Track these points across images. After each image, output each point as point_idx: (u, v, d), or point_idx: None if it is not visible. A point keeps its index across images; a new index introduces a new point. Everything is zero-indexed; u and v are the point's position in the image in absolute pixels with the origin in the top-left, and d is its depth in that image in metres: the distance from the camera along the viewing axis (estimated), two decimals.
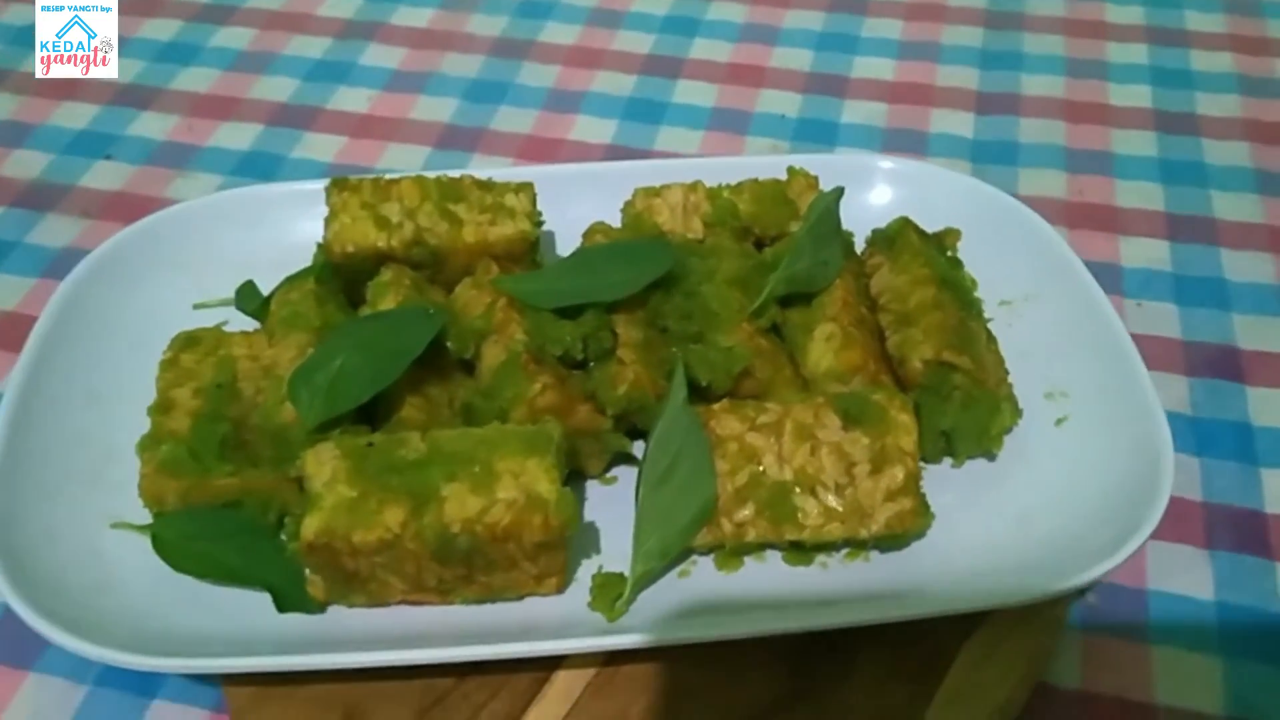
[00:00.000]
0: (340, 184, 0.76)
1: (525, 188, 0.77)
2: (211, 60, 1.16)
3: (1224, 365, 0.87)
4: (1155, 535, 0.66)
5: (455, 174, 0.78)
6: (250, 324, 0.78)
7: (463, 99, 1.11)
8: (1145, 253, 0.96)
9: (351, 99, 1.12)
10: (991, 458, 0.72)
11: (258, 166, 1.04)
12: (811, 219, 0.74)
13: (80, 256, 0.92)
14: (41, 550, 0.63)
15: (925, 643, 0.64)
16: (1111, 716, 0.67)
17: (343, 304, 0.74)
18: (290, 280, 0.74)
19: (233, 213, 0.83)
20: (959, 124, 1.09)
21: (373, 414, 0.67)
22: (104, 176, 1.02)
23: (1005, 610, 0.65)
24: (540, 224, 0.77)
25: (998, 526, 0.68)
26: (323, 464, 0.62)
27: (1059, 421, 0.73)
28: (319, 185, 0.82)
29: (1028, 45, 1.19)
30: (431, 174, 0.78)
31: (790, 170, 0.80)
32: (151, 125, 1.08)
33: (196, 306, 0.79)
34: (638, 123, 1.09)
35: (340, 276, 0.75)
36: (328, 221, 0.75)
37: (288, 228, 0.82)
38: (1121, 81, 1.14)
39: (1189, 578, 0.73)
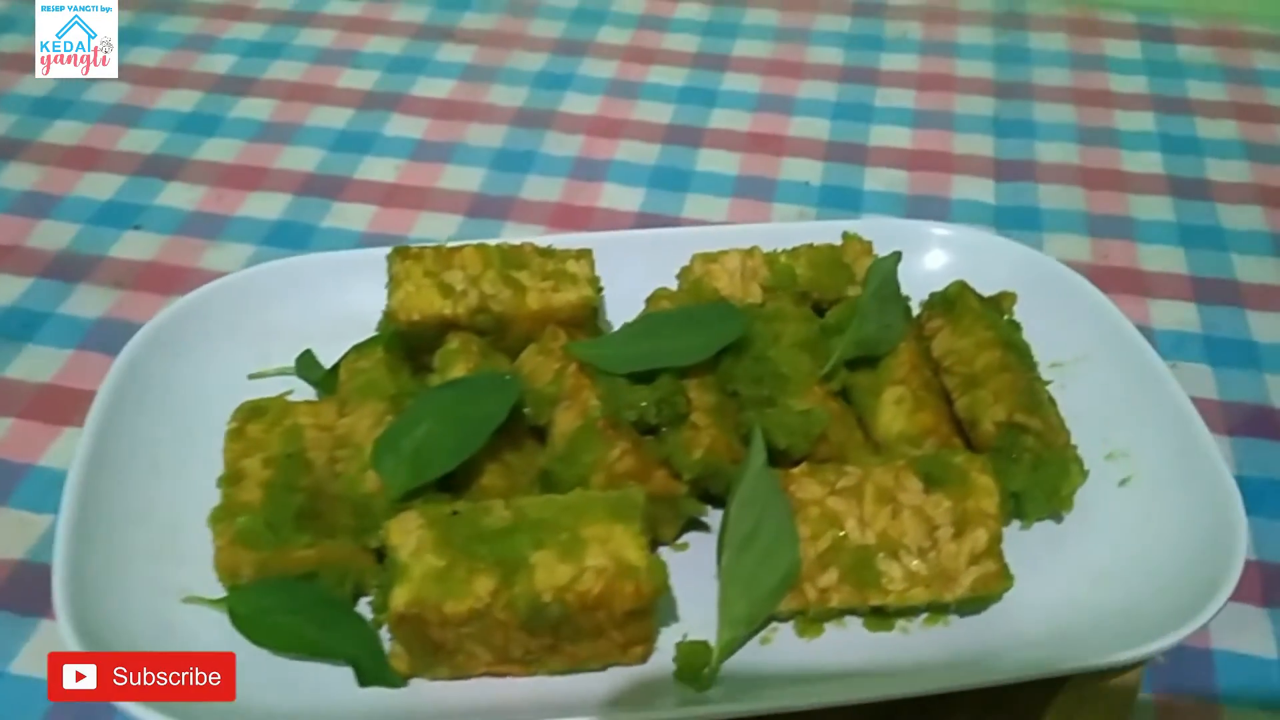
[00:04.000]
0: (402, 252, 0.76)
1: (585, 254, 0.78)
2: (234, 131, 1.17)
3: (1263, 424, 0.88)
4: None
5: (516, 242, 0.78)
6: (310, 392, 0.77)
7: (490, 168, 1.12)
8: (1174, 315, 0.98)
9: (378, 168, 1.12)
10: (1059, 519, 0.72)
11: (289, 236, 1.04)
12: (875, 284, 0.75)
13: (115, 327, 0.93)
14: (117, 625, 0.62)
15: (1014, 705, 0.64)
16: None
17: (412, 372, 0.74)
18: (357, 349, 0.74)
19: (284, 282, 0.82)
20: (980, 190, 1.11)
21: (452, 482, 0.66)
22: (134, 247, 1.02)
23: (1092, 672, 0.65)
24: (601, 290, 0.77)
25: (1072, 588, 0.68)
26: (408, 533, 0.61)
27: (1123, 482, 0.73)
28: (370, 254, 0.82)
29: (1038, 114, 1.22)
30: (492, 242, 0.78)
31: (845, 235, 0.81)
32: (179, 195, 1.08)
33: (252, 376, 0.78)
34: (664, 190, 1.10)
35: (404, 344, 0.75)
36: (391, 290, 0.75)
37: (340, 296, 0.81)
38: (1133, 149, 1.17)
39: (1251, 637, 0.74)
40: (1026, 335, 0.81)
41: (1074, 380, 0.79)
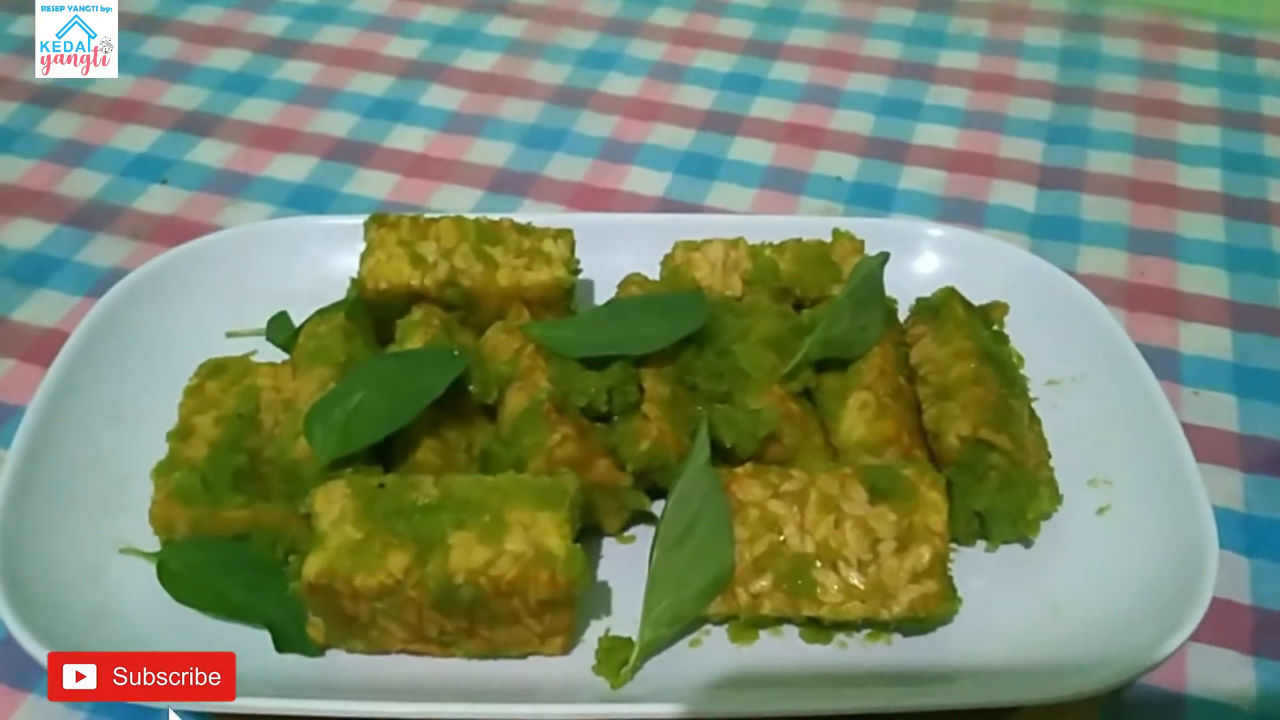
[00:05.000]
0: (379, 220, 0.76)
1: (564, 234, 0.76)
2: (274, 92, 1.17)
3: None
4: (1198, 638, 0.62)
5: (496, 217, 0.77)
6: (280, 355, 0.77)
7: (519, 144, 1.11)
8: (1206, 340, 0.92)
9: (408, 138, 1.12)
10: (1027, 544, 0.69)
11: (310, 200, 1.04)
12: (853, 283, 0.72)
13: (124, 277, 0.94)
14: (46, 571, 0.63)
15: None
16: None
17: (370, 341, 0.73)
18: (321, 314, 0.74)
19: (271, 243, 0.82)
20: (1020, 196, 1.07)
21: (388, 455, 0.66)
22: (158, 200, 1.03)
23: (1034, 705, 0.61)
24: (577, 271, 0.76)
25: (1030, 616, 0.65)
26: (332, 502, 0.60)
27: (1100, 510, 0.69)
28: (359, 220, 0.81)
29: (1096, 121, 1.16)
30: (472, 215, 0.77)
31: (835, 232, 0.78)
32: (210, 153, 1.09)
33: (229, 335, 0.78)
34: (691, 177, 1.07)
35: (372, 313, 0.74)
36: (363, 257, 0.75)
37: (326, 261, 0.81)
38: (1191, 164, 1.11)
39: (1231, 685, 0.69)
40: (1023, 347, 0.78)
41: (1068, 399, 0.76)
